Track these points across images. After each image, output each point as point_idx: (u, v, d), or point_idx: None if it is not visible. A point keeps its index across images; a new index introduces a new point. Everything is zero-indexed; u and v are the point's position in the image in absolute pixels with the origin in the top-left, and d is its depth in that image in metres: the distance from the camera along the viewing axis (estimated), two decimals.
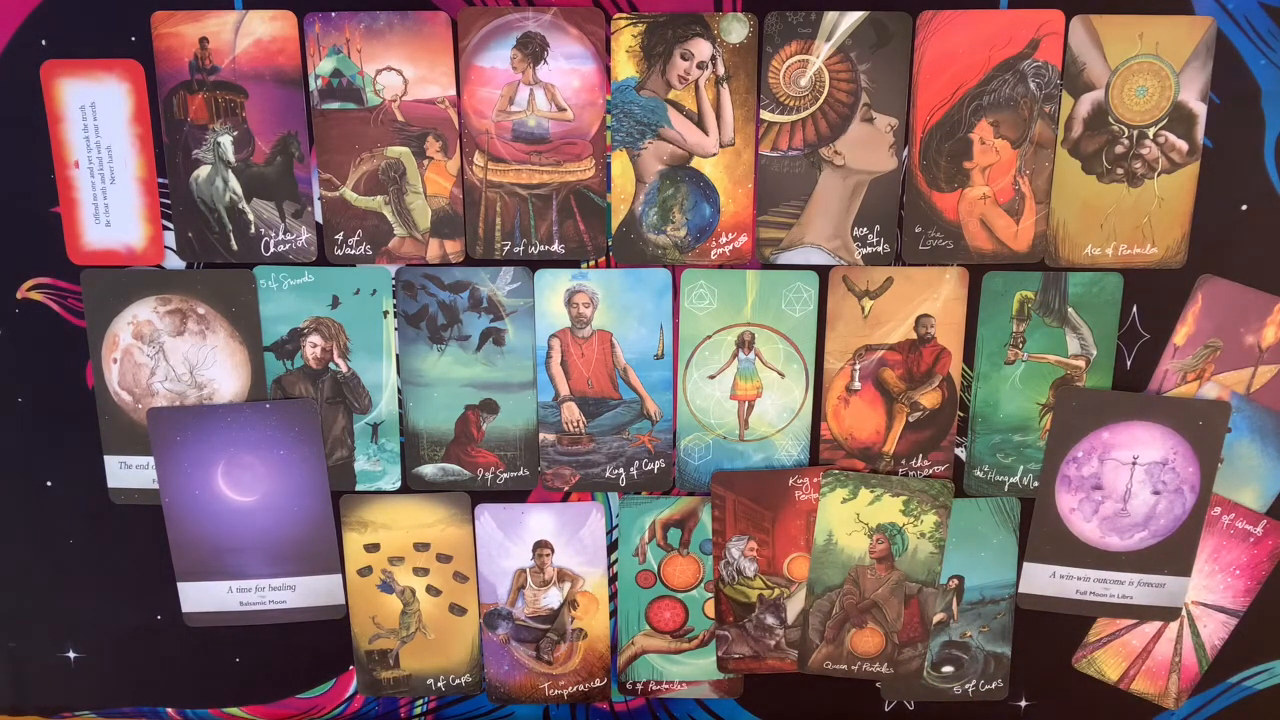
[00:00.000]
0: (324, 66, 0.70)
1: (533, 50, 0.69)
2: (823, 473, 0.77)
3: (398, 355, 0.76)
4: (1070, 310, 0.73)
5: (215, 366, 0.76)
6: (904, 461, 0.77)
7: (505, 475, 0.78)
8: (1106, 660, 0.81)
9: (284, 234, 0.73)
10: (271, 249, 0.73)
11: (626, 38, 0.69)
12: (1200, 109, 0.70)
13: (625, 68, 0.70)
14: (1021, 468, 0.77)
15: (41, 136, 0.71)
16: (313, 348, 0.75)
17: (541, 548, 0.80)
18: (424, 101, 0.70)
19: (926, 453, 0.77)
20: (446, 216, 0.73)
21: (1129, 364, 0.75)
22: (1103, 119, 0.70)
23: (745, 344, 0.75)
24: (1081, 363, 0.75)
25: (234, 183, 0.72)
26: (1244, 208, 0.71)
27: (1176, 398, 0.75)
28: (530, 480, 0.78)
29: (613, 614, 0.82)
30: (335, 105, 0.70)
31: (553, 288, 0.74)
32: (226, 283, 0.74)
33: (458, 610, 0.81)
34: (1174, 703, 0.82)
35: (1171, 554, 0.77)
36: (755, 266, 0.74)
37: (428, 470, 0.78)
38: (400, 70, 0.70)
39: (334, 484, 0.78)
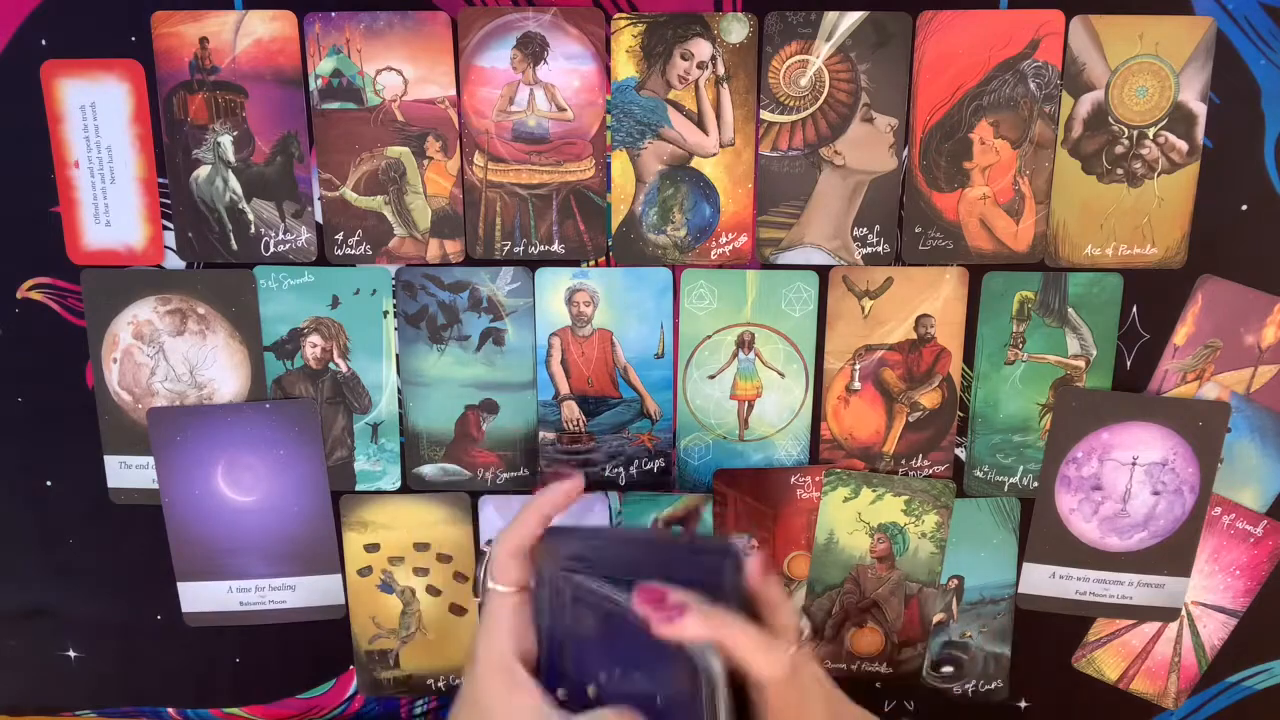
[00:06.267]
0: (324, 66, 0.70)
1: (533, 50, 0.69)
2: (825, 471, 0.77)
3: (398, 355, 0.76)
4: (1070, 310, 0.73)
5: (215, 366, 0.76)
6: (904, 461, 0.77)
7: (505, 475, 0.78)
8: (1106, 660, 0.81)
9: (284, 234, 0.73)
10: (271, 249, 0.73)
11: (626, 38, 0.69)
12: (1200, 109, 0.70)
13: (625, 68, 0.70)
14: (1021, 468, 0.77)
15: (41, 136, 0.71)
16: (313, 348, 0.75)
17: None
18: (424, 101, 0.70)
19: (926, 453, 0.77)
20: (446, 216, 0.73)
21: (1129, 364, 0.75)
22: (1103, 119, 0.70)
23: (745, 344, 0.75)
24: (1081, 363, 0.75)
25: (234, 183, 0.72)
26: (1244, 208, 0.71)
27: (1176, 398, 0.75)
28: (530, 480, 0.78)
29: None
30: (335, 105, 0.70)
31: (553, 287, 0.74)
32: (226, 283, 0.74)
33: (458, 610, 0.81)
34: (1173, 703, 0.82)
35: (1171, 554, 0.77)
36: (755, 266, 0.74)
37: (428, 470, 0.78)
38: (400, 70, 0.70)
39: (334, 484, 0.78)
